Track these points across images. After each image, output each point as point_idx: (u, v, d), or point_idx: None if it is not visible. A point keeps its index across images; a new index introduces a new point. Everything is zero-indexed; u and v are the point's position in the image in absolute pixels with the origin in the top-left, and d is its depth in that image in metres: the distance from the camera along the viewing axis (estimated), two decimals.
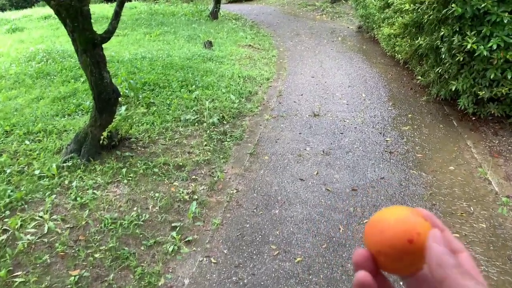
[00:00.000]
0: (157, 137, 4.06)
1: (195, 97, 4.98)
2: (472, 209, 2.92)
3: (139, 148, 3.84)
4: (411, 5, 4.49)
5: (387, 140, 3.95)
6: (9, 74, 5.93)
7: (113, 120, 3.69)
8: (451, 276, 0.35)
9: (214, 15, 10.89)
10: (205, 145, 3.93)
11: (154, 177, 3.38)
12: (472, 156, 3.60)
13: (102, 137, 3.52)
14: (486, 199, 3.06)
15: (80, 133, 3.67)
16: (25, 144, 3.93)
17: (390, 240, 0.39)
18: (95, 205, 2.96)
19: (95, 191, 3.14)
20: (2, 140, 4.04)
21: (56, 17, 9.48)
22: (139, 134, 4.09)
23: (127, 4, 13.43)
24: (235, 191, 3.24)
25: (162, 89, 5.26)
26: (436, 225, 0.41)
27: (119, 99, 3.69)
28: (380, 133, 4.09)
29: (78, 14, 3.19)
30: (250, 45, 8.19)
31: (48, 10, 12.51)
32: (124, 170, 3.40)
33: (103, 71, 3.42)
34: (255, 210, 2.99)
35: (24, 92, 5.31)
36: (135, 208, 2.95)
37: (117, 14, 3.35)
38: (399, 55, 5.55)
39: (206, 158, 3.71)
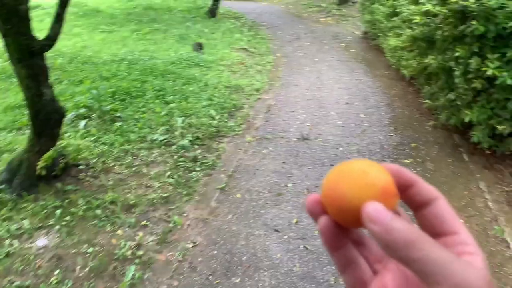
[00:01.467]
0: (112, 164, 3.41)
1: (169, 111, 4.33)
2: None
3: (87, 178, 3.19)
4: (422, 17, 3.79)
5: None
6: None
7: (56, 144, 3.05)
8: (405, 254, 0.30)
9: (212, 13, 10.19)
10: (168, 176, 3.28)
11: (95, 221, 2.73)
12: (485, 205, 2.91)
13: (38, 167, 2.88)
14: (504, 270, 2.39)
15: (14, 160, 3.03)
16: None
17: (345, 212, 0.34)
18: (6, 265, 2.32)
19: (15, 241, 2.50)
20: None
21: (41, 7, 8.71)
22: (93, 158, 3.45)
23: None
24: (191, 245, 2.59)
25: (134, 99, 4.61)
26: (406, 179, 0.36)
27: (64, 119, 3.04)
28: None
29: (12, 15, 2.54)
30: (245, 49, 7.50)
31: (44, 0, 11.88)
32: (59, 211, 2.76)
33: (43, 86, 2.77)
34: (210, 277, 2.34)
35: None
36: (57, 271, 2.31)
37: (58, 17, 2.69)
38: (405, 70, 4.86)
39: (165, 194, 3.06)
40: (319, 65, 6.66)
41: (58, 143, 3.09)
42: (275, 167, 3.50)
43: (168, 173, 3.32)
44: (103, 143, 3.72)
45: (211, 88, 5.11)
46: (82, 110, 4.26)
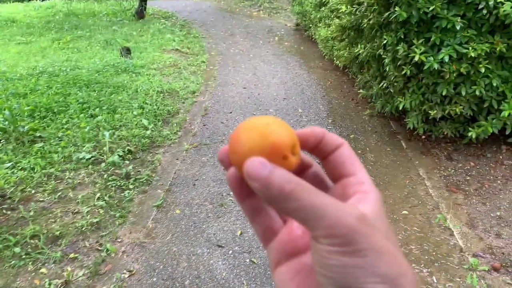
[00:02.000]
0: (33, 191, 3.05)
1: (96, 125, 3.99)
2: (435, 279, 2.24)
3: (3, 211, 2.82)
4: (348, 6, 3.76)
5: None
6: None
7: None
8: (283, 206, 0.31)
9: (139, 14, 9.73)
10: (98, 199, 2.98)
11: (13, 261, 2.39)
12: (427, 193, 2.93)
13: None
14: (450, 260, 2.39)
15: None
16: None
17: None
18: None
19: None
20: None
21: None
22: (9, 187, 3.06)
23: (43, 4, 11.90)
24: (127, 274, 2.34)
25: (56, 115, 4.20)
26: (317, 135, 0.37)
27: None
28: (319, 162, 3.35)
29: None
30: (177, 50, 7.21)
31: None
32: None
33: None
34: None
35: None
36: None
37: None
38: (338, 61, 4.86)
39: (96, 219, 2.77)
40: (255, 61, 6.54)
41: None
42: (215, 175, 3.32)
43: (98, 194, 3.02)
44: (22, 169, 3.32)
45: (142, 95, 4.80)
46: None
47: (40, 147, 3.62)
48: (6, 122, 3.89)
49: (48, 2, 12.23)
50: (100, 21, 9.29)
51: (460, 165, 3.19)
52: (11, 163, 3.38)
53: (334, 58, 5.07)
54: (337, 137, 0.39)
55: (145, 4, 9.88)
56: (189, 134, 4.09)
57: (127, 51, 6.39)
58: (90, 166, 3.37)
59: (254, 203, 0.39)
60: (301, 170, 0.40)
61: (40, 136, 3.81)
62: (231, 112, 4.54)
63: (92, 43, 7.29)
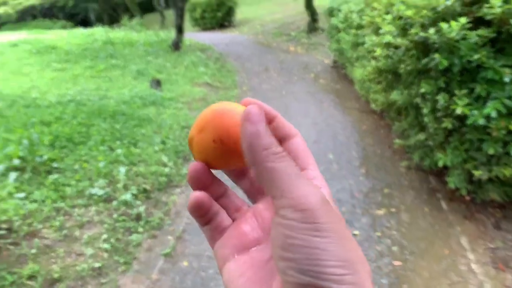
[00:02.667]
0: (41, 226, 3.03)
1: (115, 159, 4.00)
2: None
3: (6, 246, 2.80)
4: (384, 50, 3.65)
5: (355, 234, 3.00)
6: None
7: None
8: (261, 159, 0.33)
9: (176, 45, 10.06)
10: (104, 240, 2.92)
11: None
12: (469, 268, 2.65)
13: None
14: None
15: None
16: None
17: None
18: None
19: None
20: None
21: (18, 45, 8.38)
22: (18, 220, 3.06)
23: (84, 32, 12.60)
24: None
25: (76, 146, 4.27)
26: (266, 114, 0.38)
27: None
28: (347, 221, 3.15)
29: None
30: (208, 83, 7.31)
31: (1, 37, 11.58)
32: None
33: None
34: None
35: None
36: None
37: None
38: (374, 104, 4.71)
39: (98, 264, 2.69)
40: (287, 99, 6.50)
41: None
42: None
43: (104, 236, 2.96)
44: (33, 201, 3.34)
45: (166, 129, 4.83)
46: (16, 162, 3.89)
47: (55, 178, 3.65)
48: (26, 151, 3.98)
49: (89, 30, 12.96)
50: (136, 51, 9.67)
51: (511, 236, 2.90)
52: (24, 194, 3.41)
53: (371, 101, 4.93)
54: (290, 126, 0.41)
55: (182, 36, 10.23)
56: None
57: (157, 83, 6.54)
58: (101, 204, 3.34)
59: (211, 212, 0.40)
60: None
61: (56, 167, 3.86)
62: None
63: (125, 73, 7.54)
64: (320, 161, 4.22)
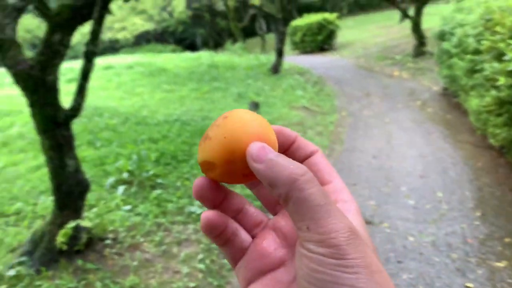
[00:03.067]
0: (142, 240, 3.22)
1: None
2: None
3: (112, 255, 3.01)
4: (508, 78, 3.28)
5: (468, 287, 2.66)
6: (29, 133, 5.66)
7: (80, 216, 2.94)
8: (286, 188, 0.31)
9: (275, 69, 10.30)
10: (199, 261, 2.98)
11: None
12: None
13: (57, 242, 2.77)
14: None
15: (37, 231, 2.96)
16: None
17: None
18: None
19: None
20: None
21: (113, 67, 9.48)
22: (123, 231, 3.30)
23: (191, 55, 13.54)
24: None
25: (179, 163, 4.51)
26: (287, 136, 0.40)
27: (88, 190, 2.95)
28: (458, 270, 2.81)
29: (38, 86, 2.56)
30: (306, 107, 7.31)
31: (117, 60, 12.97)
32: None
33: (67, 157, 2.72)
34: None
35: (32, 157, 4.91)
36: None
37: (81, 88, 2.67)
38: (493, 139, 4.24)
39: (193, 284, 2.75)
40: (390, 127, 6.20)
41: (83, 215, 2.99)
42: None
43: (200, 256, 3.03)
44: (137, 214, 3.58)
45: None
46: (125, 175, 4.23)
47: (158, 194, 3.88)
48: (134, 166, 4.32)
49: (195, 54, 13.92)
50: (237, 74, 10.10)
51: None
52: (130, 207, 3.67)
53: (489, 135, 4.45)
54: (310, 144, 0.40)
55: (281, 59, 10.44)
56: None
57: (255, 105, 6.72)
58: (198, 223, 3.45)
59: (228, 230, 0.38)
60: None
61: (160, 183, 4.10)
62: (355, 184, 4.26)
63: (226, 95, 7.89)
64: (427, 198, 3.89)
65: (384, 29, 17.44)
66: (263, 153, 0.33)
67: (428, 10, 12.57)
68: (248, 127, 0.35)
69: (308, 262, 0.29)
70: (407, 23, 12.68)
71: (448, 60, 6.71)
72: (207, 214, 0.37)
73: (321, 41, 15.45)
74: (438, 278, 2.75)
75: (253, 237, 0.40)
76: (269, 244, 0.38)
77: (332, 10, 21.17)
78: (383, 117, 6.76)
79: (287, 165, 0.31)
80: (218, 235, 0.38)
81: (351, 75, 10.75)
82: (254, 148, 0.33)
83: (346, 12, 24.56)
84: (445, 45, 6.87)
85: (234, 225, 0.39)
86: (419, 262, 2.94)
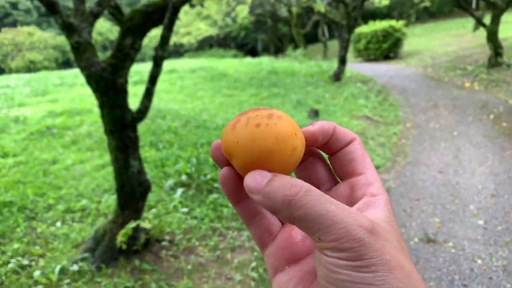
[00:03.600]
0: (197, 243, 3.27)
1: None
2: None
3: (168, 257, 3.09)
4: None
5: None
6: (96, 132, 6.00)
7: (140, 217, 3.04)
8: (287, 211, 0.32)
9: (336, 76, 10.13)
10: (252, 269, 2.97)
11: None
12: None
13: (118, 241, 2.88)
14: None
15: (100, 229, 3.10)
16: (56, 226, 3.55)
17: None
18: None
19: None
20: (40, 216, 3.75)
21: (176, 71, 9.86)
22: (179, 233, 3.37)
23: (252, 61, 13.71)
24: None
25: None
26: (326, 129, 0.38)
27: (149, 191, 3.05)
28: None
29: (109, 88, 2.69)
30: (368, 117, 7.09)
31: (181, 64, 13.48)
32: None
33: (131, 157, 2.83)
34: None
35: (98, 155, 5.19)
36: None
37: (148, 92, 2.76)
38: None
39: None
40: (459, 141, 5.84)
41: (143, 216, 3.09)
42: None
43: (253, 264, 3.02)
44: (194, 217, 3.65)
45: None
46: (184, 178, 4.34)
47: (214, 198, 3.92)
48: (193, 169, 4.41)
49: (256, 59, 14.07)
50: (297, 81, 10.06)
51: None
52: (187, 210, 3.75)
53: None
54: (348, 132, 0.39)
55: (344, 67, 10.25)
56: None
57: (315, 113, 6.63)
58: None
59: (250, 205, 0.39)
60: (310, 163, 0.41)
61: (217, 188, 4.15)
62: (418, 200, 4.05)
63: (285, 102, 7.87)
64: (499, 219, 3.61)
65: (455, 38, 16.57)
66: (259, 183, 0.32)
67: (505, 18, 11.80)
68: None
69: (325, 263, 0.30)
70: (482, 32, 11.96)
71: None
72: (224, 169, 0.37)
73: (386, 49, 14.99)
74: None
75: (282, 223, 0.40)
76: (297, 233, 0.39)
77: (399, 17, 20.51)
78: (451, 130, 6.39)
79: (280, 188, 0.32)
80: (239, 200, 0.38)
81: (418, 85, 10.30)
82: (249, 180, 0.33)
83: (414, 20, 23.64)
84: None
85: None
86: (487, 287, 2.72)
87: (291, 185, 0.32)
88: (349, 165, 0.38)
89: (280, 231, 0.39)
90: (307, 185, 0.32)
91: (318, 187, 0.40)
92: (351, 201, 0.37)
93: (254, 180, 0.33)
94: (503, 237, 3.32)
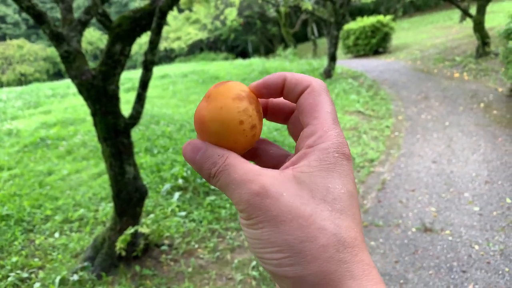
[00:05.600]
0: (197, 246, 3.26)
1: None
2: None
3: (168, 261, 3.08)
4: None
5: None
6: (91, 141, 5.97)
7: (138, 222, 3.03)
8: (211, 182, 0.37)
9: (327, 73, 10.15)
10: (253, 268, 2.97)
11: None
12: None
13: (117, 248, 2.86)
14: None
15: (99, 237, 3.09)
16: (54, 237, 3.53)
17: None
18: None
19: None
20: (38, 228, 3.73)
21: (168, 76, 9.84)
22: (178, 237, 3.36)
23: (243, 62, 13.70)
24: None
25: None
26: (273, 83, 0.38)
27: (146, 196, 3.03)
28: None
29: (100, 95, 2.68)
30: (360, 112, 7.11)
31: (172, 69, 13.46)
32: None
33: (126, 164, 2.82)
34: None
35: (93, 164, 5.16)
36: None
37: (139, 97, 2.76)
38: None
39: None
40: (451, 131, 5.87)
41: (141, 222, 3.08)
42: (384, 267, 2.93)
43: (253, 263, 3.01)
44: (192, 220, 3.65)
45: None
46: (180, 181, 4.33)
47: (212, 200, 3.92)
48: (189, 172, 4.40)
49: (247, 61, 14.07)
50: None
51: None
52: (184, 213, 3.74)
53: None
54: (301, 80, 0.37)
55: (334, 63, 10.27)
56: (360, 209, 3.80)
57: None
58: None
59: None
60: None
61: (213, 189, 4.15)
62: (413, 190, 4.07)
63: None
64: (494, 205, 3.63)
65: (442, 30, 16.66)
66: (191, 155, 0.37)
67: (491, 8, 11.88)
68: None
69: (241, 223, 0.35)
70: (468, 23, 12.04)
71: None
72: None
73: (375, 44, 15.03)
74: None
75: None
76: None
77: (386, 12, 20.61)
78: (443, 120, 6.42)
79: (204, 162, 0.36)
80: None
81: (408, 78, 10.35)
82: (185, 150, 0.37)
83: (401, 14, 23.76)
84: None
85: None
86: (486, 272, 2.73)
87: (213, 162, 0.35)
88: (301, 118, 0.37)
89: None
90: (228, 160, 0.35)
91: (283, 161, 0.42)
92: (295, 158, 0.36)
93: (189, 151, 0.37)
94: (498, 222, 3.34)
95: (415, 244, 3.17)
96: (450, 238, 3.20)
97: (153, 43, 2.73)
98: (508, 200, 3.67)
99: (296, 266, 0.30)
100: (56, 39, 2.57)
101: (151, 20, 2.79)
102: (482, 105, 7.08)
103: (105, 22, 3.21)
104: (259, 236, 0.32)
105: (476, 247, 3.05)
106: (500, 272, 2.74)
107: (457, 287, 2.65)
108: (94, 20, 2.95)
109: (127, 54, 2.79)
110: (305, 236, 0.31)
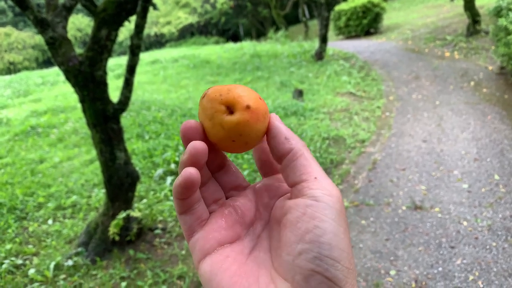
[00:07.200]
0: None
1: (250, 172, 4.13)
2: None
3: (161, 245, 3.10)
4: None
5: None
6: (82, 128, 5.93)
7: (131, 207, 3.04)
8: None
9: (318, 55, 10.09)
10: None
11: None
12: None
13: (110, 233, 2.88)
14: None
15: (92, 223, 3.10)
16: (47, 223, 3.54)
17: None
18: None
19: None
20: (31, 215, 3.73)
21: (159, 61, 9.74)
22: (171, 221, 3.38)
23: (234, 46, 13.58)
24: None
25: None
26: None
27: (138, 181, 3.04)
28: None
29: (88, 81, 2.66)
30: (351, 93, 7.11)
31: (163, 54, 13.31)
32: (124, 283, 2.67)
33: (117, 149, 2.81)
34: None
35: (85, 151, 5.14)
36: None
37: (127, 82, 2.73)
38: None
39: None
40: (441, 110, 5.90)
41: (133, 206, 3.09)
42: (374, 245, 2.97)
43: None
44: None
45: (307, 141, 4.81)
46: (172, 166, 4.33)
47: None
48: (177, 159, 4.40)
49: (238, 44, 13.94)
50: (280, 62, 10.00)
51: None
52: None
53: None
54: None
55: (325, 45, 10.21)
56: (351, 189, 3.85)
57: (299, 93, 6.62)
58: None
59: (193, 197, 0.39)
60: None
61: None
62: (404, 169, 4.10)
63: (269, 84, 7.85)
64: (483, 181, 3.67)
65: (433, 9, 16.57)
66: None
67: None
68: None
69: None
70: (459, 1, 11.98)
71: (506, 37, 6.27)
72: (191, 170, 0.37)
73: (366, 24, 14.93)
74: (495, 263, 2.59)
75: (210, 212, 0.42)
76: (228, 219, 0.41)
77: None
78: (434, 100, 6.45)
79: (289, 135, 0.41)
80: (189, 197, 0.38)
81: (399, 58, 10.33)
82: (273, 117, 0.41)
83: None
84: (502, 21, 6.41)
85: (199, 194, 0.40)
86: (474, 247, 2.79)
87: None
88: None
89: (210, 217, 0.41)
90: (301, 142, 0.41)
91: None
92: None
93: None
94: (487, 198, 3.39)
95: (405, 222, 3.21)
96: (439, 215, 3.25)
97: (139, 27, 2.70)
98: (496, 177, 3.72)
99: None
100: (41, 25, 2.53)
101: (136, 3, 2.75)
102: (472, 83, 7.11)
103: (90, 7, 3.15)
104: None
105: (465, 223, 3.10)
106: (488, 247, 2.79)
107: (445, 262, 2.70)
108: (82, 7, 2.88)
109: (113, 39, 2.75)
110: None
